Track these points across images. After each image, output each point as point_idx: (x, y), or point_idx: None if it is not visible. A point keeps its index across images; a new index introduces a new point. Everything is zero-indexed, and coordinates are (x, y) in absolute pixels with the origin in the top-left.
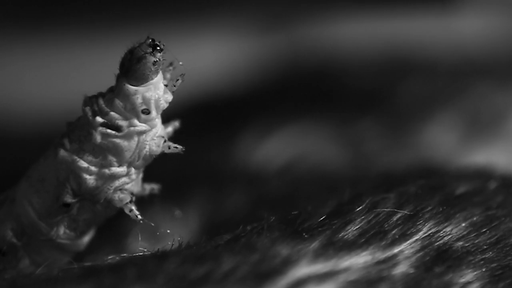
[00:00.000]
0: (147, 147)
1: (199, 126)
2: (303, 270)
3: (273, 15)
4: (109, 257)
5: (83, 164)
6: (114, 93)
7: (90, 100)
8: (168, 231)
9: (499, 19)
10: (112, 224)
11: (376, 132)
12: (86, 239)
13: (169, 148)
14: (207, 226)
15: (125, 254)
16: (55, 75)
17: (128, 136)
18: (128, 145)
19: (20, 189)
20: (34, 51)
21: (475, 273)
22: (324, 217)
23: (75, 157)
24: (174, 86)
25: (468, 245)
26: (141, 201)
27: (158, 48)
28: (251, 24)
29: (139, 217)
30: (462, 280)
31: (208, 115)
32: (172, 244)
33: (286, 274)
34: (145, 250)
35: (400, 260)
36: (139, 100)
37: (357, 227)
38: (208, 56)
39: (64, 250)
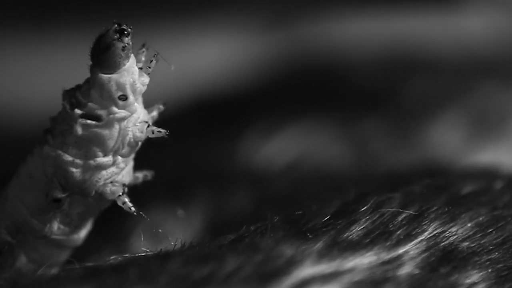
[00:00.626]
0: (130, 133)
1: (202, 125)
2: (307, 270)
3: (277, 13)
4: (112, 257)
5: (68, 158)
6: (90, 83)
7: (68, 93)
8: (170, 238)
9: (504, 17)
10: (114, 224)
11: (380, 131)
12: (83, 233)
13: (153, 132)
14: (210, 226)
15: (127, 254)
16: (56, 74)
17: (108, 125)
18: (110, 134)
19: (11, 187)
20: (35, 50)
21: (481, 274)
22: (328, 217)
23: (59, 152)
24: (149, 67)
25: (474, 246)
26: (142, 200)
27: (126, 32)
28: (254, 23)
29: (133, 209)
30: (468, 281)
31: (210, 114)
32: (175, 244)
33: (290, 274)
34: (148, 250)
35: (405, 260)
36: (114, 87)
37: (362, 227)
38: (211, 54)
39: (61, 246)
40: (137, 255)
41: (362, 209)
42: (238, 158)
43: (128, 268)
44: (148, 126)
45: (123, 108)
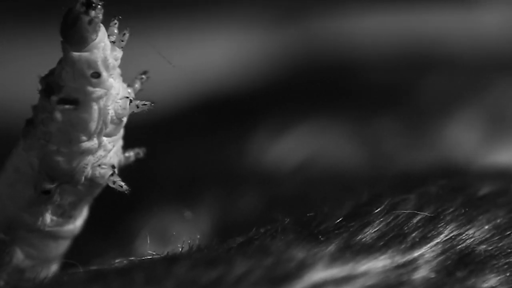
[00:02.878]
0: (111, 111)
1: (210, 124)
2: (319, 274)
3: (286, 8)
4: (117, 261)
5: (52, 147)
6: (62, 64)
7: (44, 79)
8: (177, 241)
9: None
10: (119, 226)
11: (395, 130)
12: (79, 221)
13: (138, 107)
14: (219, 228)
15: (133, 258)
16: None
17: (87, 107)
18: (89, 116)
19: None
20: (36, 48)
21: (499, 277)
22: (341, 219)
23: (43, 142)
24: (122, 41)
25: (492, 249)
26: (148, 201)
27: (93, 5)
28: (263, 18)
29: (125, 187)
30: (485, 285)
31: (219, 113)
32: (182, 247)
33: (301, 278)
34: (154, 253)
35: (421, 264)
36: (85, 65)
37: (376, 229)
38: (219, 51)
39: (57, 237)
40: (143, 258)
41: (376, 211)
42: (247, 158)
43: (133, 272)
44: (131, 102)
45: (98, 86)
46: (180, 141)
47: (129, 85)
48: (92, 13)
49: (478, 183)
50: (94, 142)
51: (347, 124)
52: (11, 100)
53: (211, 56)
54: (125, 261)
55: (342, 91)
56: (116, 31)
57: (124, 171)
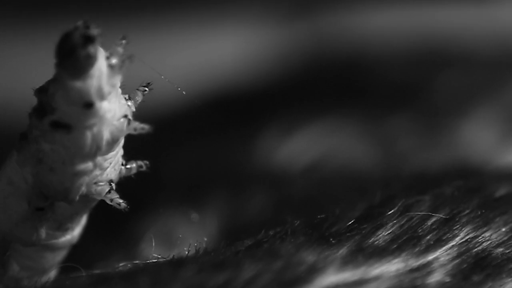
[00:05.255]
0: (106, 134)
1: (217, 123)
2: (330, 278)
3: (297, 3)
4: (121, 264)
5: (46, 166)
6: (56, 84)
7: (38, 95)
8: (184, 244)
9: None
10: (123, 228)
11: (408, 129)
12: (77, 231)
13: (135, 130)
14: (226, 230)
15: (137, 261)
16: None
17: (79, 133)
18: (82, 142)
19: None
20: (36, 47)
21: None
22: (353, 221)
23: (36, 160)
24: (121, 67)
25: (509, 252)
26: (154, 203)
27: (91, 37)
28: (272, 13)
29: (123, 205)
30: None
31: (226, 112)
32: (189, 250)
33: (312, 282)
34: (159, 256)
35: (435, 267)
36: (77, 95)
37: (389, 232)
38: (226, 48)
39: (54, 249)
40: (147, 261)
41: (389, 213)
42: (256, 158)
43: (138, 276)
44: (129, 123)
45: (90, 116)
46: (187, 140)
47: (130, 98)
48: (90, 48)
49: (495, 184)
50: (88, 165)
51: (360, 123)
52: (10, 97)
53: (219, 53)
54: (129, 265)
55: (354, 89)
56: (121, 51)
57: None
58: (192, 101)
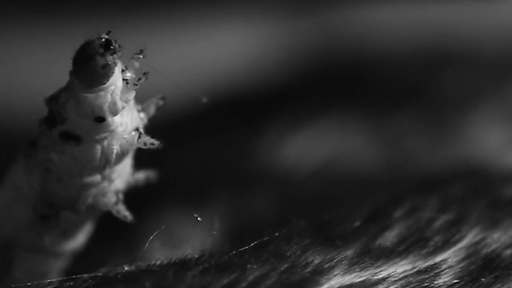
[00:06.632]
0: (116, 148)
1: (220, 121)
2: (336, 280)
3: None
4: (124, 266)
5: (53, 175)
6: (67, 94)
7: (49, 104)
8: (187, 245)
9: None
10: (126, 229)
11: (415, 127)
12: (81, 239)
13: (145, 144)
14: (231, 231)
15: (140, 263)
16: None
17: (89, 146)
18: (91, 155)
19: None
20: (39, 43)
21: None
22: (359, 222)
23: (44, 168)
24: (136, 85)
25: None
26: (157, 203)
27: (112, 47)
28: (277, 9)
29: (129, 218)
30: None
31: (230, 109)
32: (193, 252)
33: (318, 284)
34: (163, 258)
35: (443, 269)
36: (89, 109)
37: (396, 233)
38: (230, 45)
39: (58, 256)
40: (151, 263)
41: (396, 214)
42: (261, 157)
43: (141, 278)
44: (140, 137)
45: (101, 130)
46: (189, 140)
47: (143, 109)
48: (109, 57)
49: (503, 183)
50: (96, 177)
51: (365, 121)
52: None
53: (222, 50)
54: (133, 267)
55: (360, 87)
56: (137, 65)
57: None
58: (195, 99)
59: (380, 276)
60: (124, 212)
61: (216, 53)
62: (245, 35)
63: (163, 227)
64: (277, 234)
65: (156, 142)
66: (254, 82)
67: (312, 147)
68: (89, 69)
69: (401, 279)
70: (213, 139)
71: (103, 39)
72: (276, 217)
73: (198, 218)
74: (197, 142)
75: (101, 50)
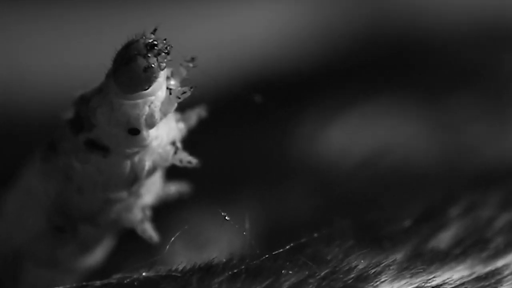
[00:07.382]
0: (148, 164)
1: (252, 108)
2: (384, 287)
3: None
4: (141, 272)
5: (74, 184)
6: (100, 97)
7: (77, 106)
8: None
9: None
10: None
11: (473, 114)
12: (99, 254)
13: (181, 162)
14: (263, 232)
15: (161, 267)
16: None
17: (117, 160)
18: (119, 170)
19: (7, 203)
20: (40, 28)
21: None
22: (410, 222)
23: (64, 176)
24: (179, 98)
25: None
26: (181, 201)
27: (156, 49)
28: None
29: (155, 239)
30: None
31: (263, 92)
32: (220, 255)
33: None
34: (186, 262)
35: (506, 275)
36: (124, 118)
37: (452, 234)
38: (263, 22)
39: (72, 272)
40: (172, 268)
41: (452, 212)
42: (297, 147)
43: (162, 285)
44: (176, 152)
45: (134, 143)
46: (216, 128)
47: (183, 119)
48: (152, 59)
49: None
50: (122, 194)
51: (417, 107)
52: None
53: (251, 27)
54: (151, 272)
55: (410, 69)
56: (185, 74)
57: None
58: (223, 82)
59: (433, 283)
60: (150, 232)
61: (248, 28)
62: (280, 10)
63: (186, 227)
64: (316, 235)
65: (193, 161)
66: (291, 62)
67: (356, 136)
68: (129, 70)
69: (457, 286)
70: (243, 127)
71: (150, 39)
72: (315, 216)
73: (226, 217)
74: (224, 130)
75: (144, 51)
